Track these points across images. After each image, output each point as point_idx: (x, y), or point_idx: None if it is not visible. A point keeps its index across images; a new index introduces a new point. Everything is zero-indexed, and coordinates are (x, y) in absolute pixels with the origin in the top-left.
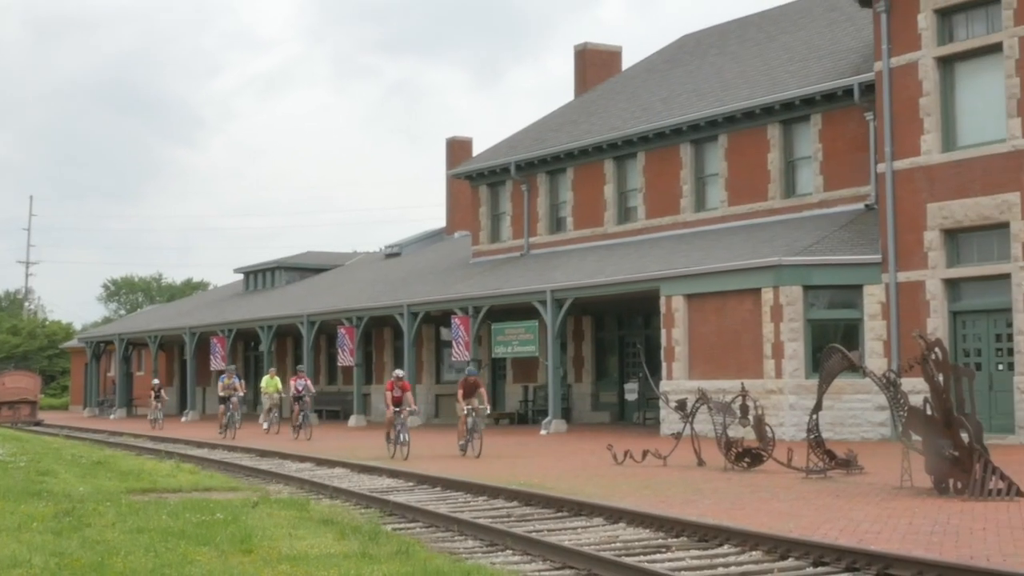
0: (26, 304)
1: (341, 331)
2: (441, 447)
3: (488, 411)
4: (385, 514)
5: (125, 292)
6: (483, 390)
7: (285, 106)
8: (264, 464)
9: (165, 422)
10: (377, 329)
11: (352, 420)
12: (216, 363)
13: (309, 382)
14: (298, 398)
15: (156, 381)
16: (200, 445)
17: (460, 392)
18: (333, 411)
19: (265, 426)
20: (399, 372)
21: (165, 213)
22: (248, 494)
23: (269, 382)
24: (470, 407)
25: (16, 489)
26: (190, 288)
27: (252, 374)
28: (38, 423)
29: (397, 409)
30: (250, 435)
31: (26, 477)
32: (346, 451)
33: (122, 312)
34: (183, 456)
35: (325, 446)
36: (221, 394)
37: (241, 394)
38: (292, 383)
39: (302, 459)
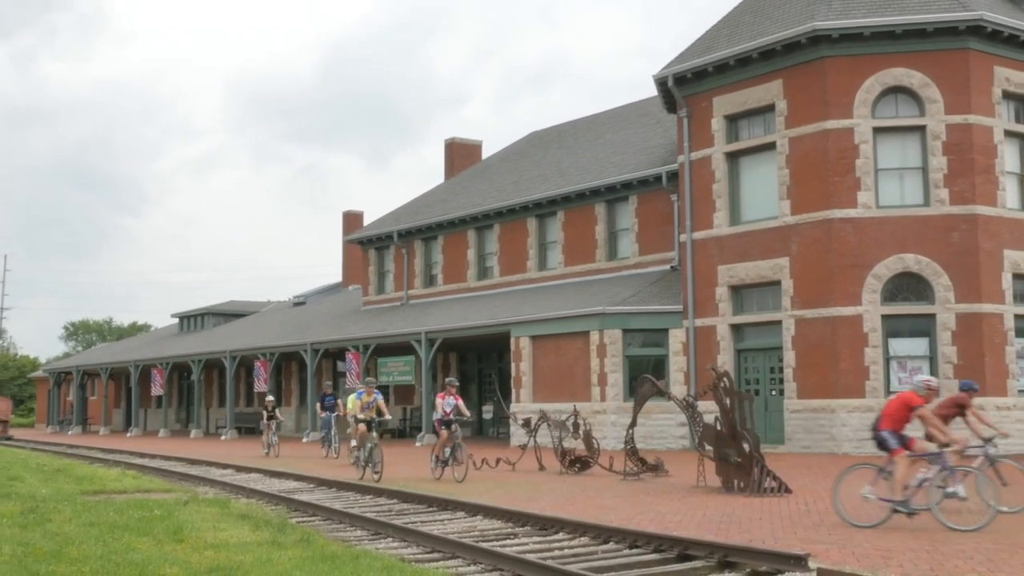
0: (0, 342)
1: (257, 364)
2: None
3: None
4: (291, 510)
5: (82, 332)
6: (973, 411)
7: (213, 184)
8: (194, 471)
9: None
10: (286, 362)
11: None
12: (156, 389)
13: (462, 402)
14: (446, 423)
15: (270, 398)
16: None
17: (942, 412)
18: (250, 427)
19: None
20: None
21: (115, 269)
22: (180, 495)
23: (354, 402)
24: (953, 443)
25: None
26: (135, 329)
27: (184, 402)
28: (9, 438)
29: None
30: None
31: None
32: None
33: (79, 348)
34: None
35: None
36: (360, 416)
37: (388, 417)
38: (439, 402)
39: (224, 466)
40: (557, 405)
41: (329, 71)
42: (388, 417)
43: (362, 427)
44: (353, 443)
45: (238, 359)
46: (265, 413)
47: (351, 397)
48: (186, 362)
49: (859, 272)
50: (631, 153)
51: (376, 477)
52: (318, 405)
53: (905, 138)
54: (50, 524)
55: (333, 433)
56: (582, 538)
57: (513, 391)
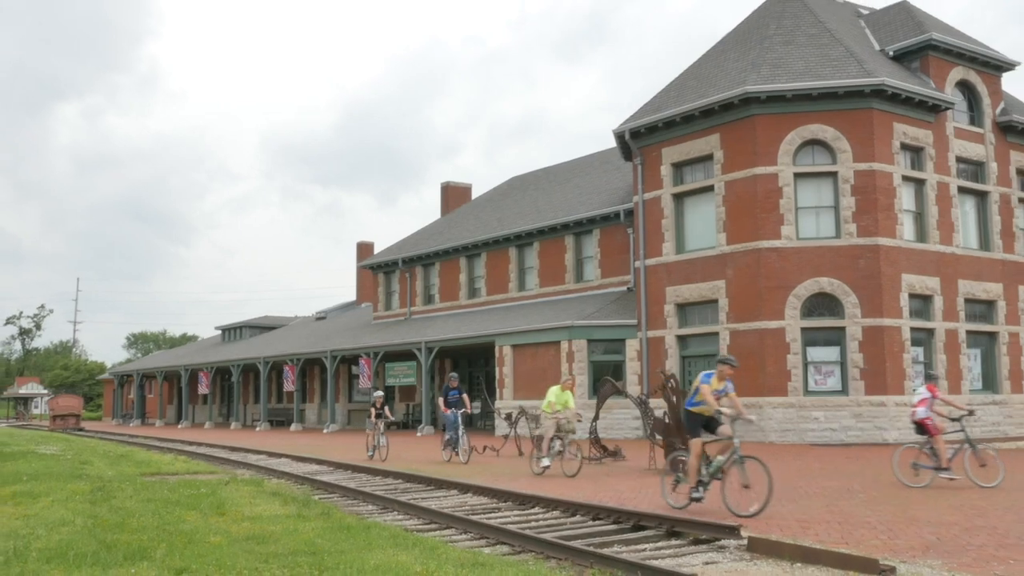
0: (74, 350)
1: (286, 368)
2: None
3: None
4: (314, 488)
5: (141, 342)
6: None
7: (250, 219)
8: (234, 456)
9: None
10: (310, 367)
11: (292, 426)
12: (203, 389)
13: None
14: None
15: (379, 393)
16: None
17: None
18: (280, 420)
19: (545, 462)
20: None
21: (168, 289)
22: (222, 476)
23: (559, 395)
24: None
25: (65, 473)
26: (185, 339)
27: (225, 399)
28: (81, 429)
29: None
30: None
31: (72, 465)
32: None
33: (139, 355)
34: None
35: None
36: (722, 409)
37: (753, 419)
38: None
39: (258, 452)
40: (534, 402)
41: (346, 125)
42: (752, 418)
43: (694, 442)
44: (557, 450)
45: (270, 364)
46: (373, 411)
47: (559, 389)
48: (227, 366)
49: (782, 292)
50: (595, 194)
51: (756, 508)
52: (440, 400)
53: (820, 182)
54: (115, 500)
55: (461, 432)
56: (554, 511)
57: (497, 390)
